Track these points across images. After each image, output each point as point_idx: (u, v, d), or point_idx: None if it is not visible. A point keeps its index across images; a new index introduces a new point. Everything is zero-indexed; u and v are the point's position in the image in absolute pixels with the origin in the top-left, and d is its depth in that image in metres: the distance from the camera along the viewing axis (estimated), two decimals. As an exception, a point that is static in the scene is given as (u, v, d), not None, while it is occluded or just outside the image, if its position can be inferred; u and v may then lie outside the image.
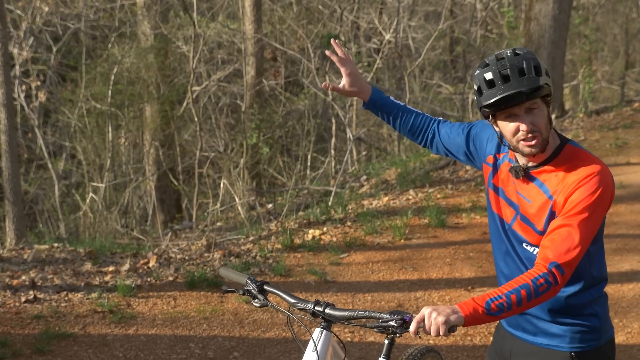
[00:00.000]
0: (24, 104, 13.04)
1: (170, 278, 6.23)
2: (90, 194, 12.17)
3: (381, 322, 2.41)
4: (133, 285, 5.92)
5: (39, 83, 13.38)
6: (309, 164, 13.09)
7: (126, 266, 6.40)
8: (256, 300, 2.72)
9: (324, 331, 2.59)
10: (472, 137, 2.77)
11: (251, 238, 7.61)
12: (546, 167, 2.49)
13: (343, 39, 13.24)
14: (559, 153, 2.49)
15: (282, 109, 13.15)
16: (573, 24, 14.13)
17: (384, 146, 14.13)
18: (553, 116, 12.08)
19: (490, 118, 2.48)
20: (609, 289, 6.15)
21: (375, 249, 7.16)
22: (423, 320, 2.27)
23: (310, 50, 11.66)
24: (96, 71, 13.03)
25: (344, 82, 2.89)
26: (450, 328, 2.24)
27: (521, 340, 2.67)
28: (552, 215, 2.45)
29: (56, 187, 12.74)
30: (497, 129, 2.50)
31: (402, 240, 7.34)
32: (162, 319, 5.54)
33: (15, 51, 12.70)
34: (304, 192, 10.47)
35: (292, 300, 2.64)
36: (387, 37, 12.96)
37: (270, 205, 10.43)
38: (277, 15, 13.73)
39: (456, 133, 2.81)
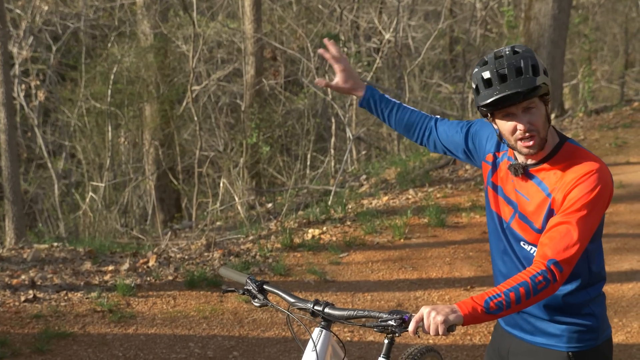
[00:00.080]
0: (24, 103, 13.03)
1: (170, 277, 6.23)
2: (90, 194, 12.17)
3: (380, 321, 2.40)
4: (132, 285, 5.93)
5: (38, 82, 13.37)
6: (308, 163, 13.09)
7: (126, 265, 6.40)
8: (256, 300, 2.72)
9: (324, 330, 2.59)
10: (471, 135, 2.77)
11: (251, 237, 7.61)
12: (545, 165, 2.49)
13: (343, 38, 13.23)
14: (557, 151, 2.49)
15: (281, 109, 13.15)
16: (573, 23, 14.13)
17: (384, 145, 14.12)
18: (553, 115, 12.11)
19: (489, 116, 2.49)
20: (609, 288, 6.15)
21: (374, 248, 7.16)
22: (422, 319, 2.27)
23: (310, 50, 11.65)
24: (96, 70, 13.03)
25: (337, 78, 2.90)
26: (450, 327, 2.24)
27: (519, 339, 2.67)
28: (550, 213, 2.45)
29: (56, 186, 12.74)
30: (496, 127, 2.50)
31: (402, 240, 7.34)
32: (162, 318, 5.54)
33: (15, 50, 12.69)
34: (304, 192, 10.47)
35: (292, 300, 2.64)
36: (387, 36, 12.96)
37: (269, 205, 10.42)
38: (277, 14, 13.73)
39: (455, 131, 2.81)
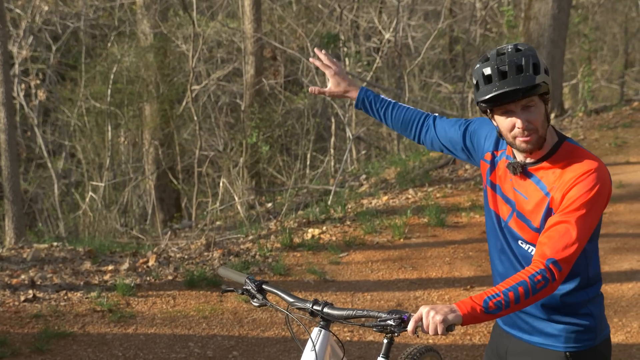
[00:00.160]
0: (24, 103, 13.04)
1: (170, 277, 6.23)
2: (90, 193, 12.17)
3: (379, 321, 2.40)
4: (132, 285, 5.93)
5: (38, 82, 13.38)
6: (308, 163, 13.09)
7: (125, 265, 6.40)
8: (255, 300, 2.72)
9: (323, 330, 2.59)
10: (469, 133, 2.77)
11: (250, 237, 7.61)
12: (543, 164, 2.49)
13: (343, 38, 13.24)
14: (556, 150, 2.49)
15: (281, 108, 13.15)
16: (572, 23, 14.13)
17: (384, 145, 14.12)
18: (552, 115, 12.11)
19: (488, 112, 2.49)
20: (609, 288, 6.15)
21: (374, 248, 7.16)
22: (421, 319, 2.27)
23: (310, 50, 11.65)
24: (96, 70, 13.03)
25: (329, 83, 2.94)
26: (449, 327, 2.24)
27: (517, 339, 2.67)
28: (548, 212, 2.45)
29: (55, 186, 12.74)
30: (495, 123, 2.51)
31: (402, 240, 7.34)
32: (162, 318, 5.54)
33: (15, 50, 12.69)
34: (304, 191, 10.47)
35: (291, 300, 2.64)
36: (387, 36, 12.96)
37: (269, 205, 10.43)
38: (277, 14, 13.73)
39: (453, 129, 2.81)
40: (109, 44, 13.42)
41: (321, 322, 2.60)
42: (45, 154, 13.10)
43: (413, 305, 5.97)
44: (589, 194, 2.38)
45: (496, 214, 2.64)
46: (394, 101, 2.95)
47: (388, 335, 2.51)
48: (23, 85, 13.15)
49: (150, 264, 6.55)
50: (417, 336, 5.20)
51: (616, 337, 5.37)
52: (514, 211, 2.56)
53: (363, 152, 13.97)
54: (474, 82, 2.47)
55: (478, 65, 2.47)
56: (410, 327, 2.29)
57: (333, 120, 13.14)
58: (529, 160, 2.51)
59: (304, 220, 7.95)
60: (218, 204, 10.60)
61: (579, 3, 16.32)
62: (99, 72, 12.89)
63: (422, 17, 16.15)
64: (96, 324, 5.35)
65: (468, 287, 6.32)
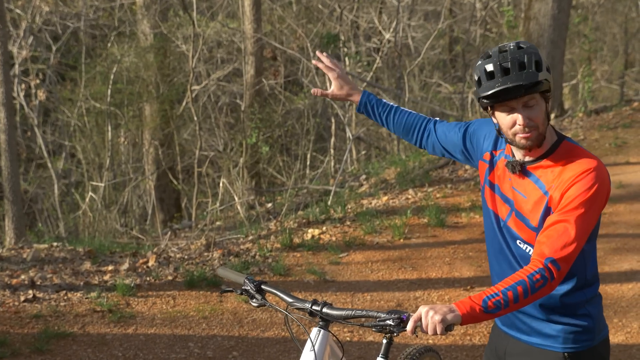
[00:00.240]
0: (24, 103, 13.04)
1: (170, 277, 6.23)
2: (90, 193, 12.17)
3: (378, 321, 2.40)
4: (132, 285, 5.93)
5: (38, 82, 13.38)
6: (308, 163, 13.09)
7: (125, 265, 6.40)
8: (254, 300, 2.72)
9: (322, 330, 2.59)
10: (469, 135, 2.77)
11: (250, 237, 7.61)
12: (542, 163, 2.49)
13: (343, 38, 13.24)
14: (555, 149, 2.49)
15: (281, 108, 13.15)
16: (572, 23, 14.13)
17: (384, 145, 14.12)
18: (552, 115, 12.11)
19: (489, 109, 2.49)
20: (609, 288, 6.15)
21: (374, 248, 7.16)
22: (420, 319, 2.27)
23: (310, 50, 11.66)
24: (96, 70, 13.03)
25: (332, 86, 2.94)
26: (448, 327, 2.24)
27: (515, 340, 2.67)
28: (547, 211, 2.45)
29: (55, 186, 12.74)
30: (495, 120, 2.51)
31: (402, 240, 7.34)
32: (161, 318, 5.54)
33: (15, 50, 12.70)
34: (304, 192, 10.47)
35: (290, 300, 2.65)
36: (387, 36, 12.96)
37: (269, 205, 10.43)
38: (277, 14, 13.73)
39: (453, 131, 2.82)
40: (109, 44, 13.42)
41: (320, 322, 2.60)
42: (45, 154, 13.11)
43: (413, 305, 5.97)
44: (587, 192, 2.38)
45: (495, 213, 2.64)
46: (395, 105, 2.95)
47: (387, 335, 2.51)
48: (23, 86, 13.15)
49: (150, 264, 6.55)
50: (417, 336, 5.20)
51: (616, 338, 5.37)
52: (512, 210, 2.56)
53: (363, 152, 13.97)
54: (476, 78, 2.47)
55: (480, 62, 2.47)
56: (409, 327, 2.29)
57: (333, 120, 13.14)
58: (528, 158, 2.51)
59: (304, 221, 7.95)
60: (218, 204, 10.60)
61: (579, 3, 16.32)
62: (99, 73, 12.89)
63: (422, 17, 16.15)
64: (96, 324, 5.35)
65: (468, 287, 6.32)
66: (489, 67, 2.43)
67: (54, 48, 13.90)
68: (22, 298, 5.59)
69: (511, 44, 2.46)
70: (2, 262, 6.39)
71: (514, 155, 2.56)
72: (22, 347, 4.94)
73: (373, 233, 7.47)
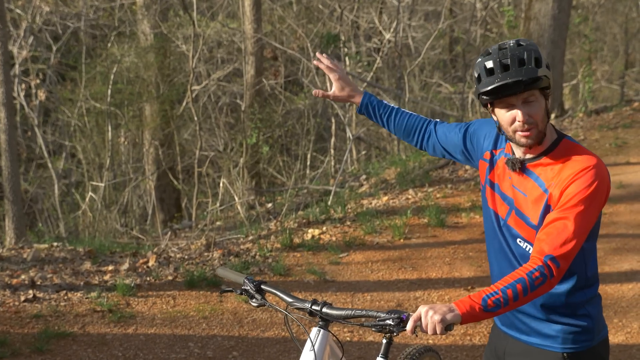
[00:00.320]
0: (24, 103, 13.04)
1: (170, 277, 6.23)
2: (90, 193, 12.17)
3: (378, 320, 2.40)
4: (132, 285, 5.93)
5: (38, 82, 13.38)
6: (308, 163, 13.09)
7: (125, 265, 6.40)
8: (254, 300, 2.72)
9: (322, 330, 2.59)
10: (469, 135, 2.77)
11: (250, 237, 7.61)
12: (542, 161, 2.49)
13: (343, 38, 13.23)
14: (555, 147, 2.49)
15: (281, 108, 13.15)
16: (573, 23, 14.13)
17: (384, 145, 14.12)
18: (553, 115, 12.11)
19: (489, 106, 2.49)
20: (609, 288, 6.15)
21: (374, 248, 7.16)
22: (420, 319, 2.27)
23: (310, 50, 11.66)
24: (96, 70, 13.03)
25: (333, 87, 2.94)
26: (447, 327, 2.23)
27: (515, 340, 2.67)
28: (547, 209, 2.45)
29: (56, 186, 12.75)
30: (495, 118, 2.51)
31: (402, 240, 7.34)
32: (162, 318, 5.54)
33: (15, 50, 12.70)
34: (304, 192, 10.47)
35: (290, 300, 2.64)
36: (387, 36, 12.96)
37: (269, 205, 10.43)
38: (277, 14, 13.73)
39: (453, 132, 2.82)
40: (109, 44, 13.42)
41: (320, 322, 2.60)
42: (46, 154, 13.11)
43: (413, 305, 5.97)
44: (587, 190, 2.37)
45: (495, 213, 2.64)
46: (396, 107, 2.96)
47: (387, 335, 2.51)
48: (23, 86, 13.16)
49: (150, 264, 6.55)
50: (416, 336, 5.20)
51: (616, 338, 5.37)
52: (512, 209, 2.56)
53: (363, 152, 13.97)
54: (476, 75, 2.48)
55: (480, 59, 2.48)
56: (409, 327, 2.28)
57: (333, 120, 13.14)
58: (528, 156, 2.52)
59: (304, 221, 7.95)
60: (218, 204, 10.60)
61: (579, 3, 16.32)
62: (99, 73, 12.89)
63: (422, 17, 16.15)
64: (96, 324, 5.35)
65: (468, 287, 6.32)
66: (489, 64, 2.43)
67: (54, 48, 13.90)
68: (22, 298, 5.59)
69: (511, 42, 2.47)
70: (3, 262, 6.39)
71: (514, 154, 2.56)
72: (22, 347, 4.94)
73: (373, 233, 7.47)
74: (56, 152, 14.27)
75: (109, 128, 12.45)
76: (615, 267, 6.63)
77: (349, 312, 2.50)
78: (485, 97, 2.44)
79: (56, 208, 12.62)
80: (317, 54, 2.96)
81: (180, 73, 13.58)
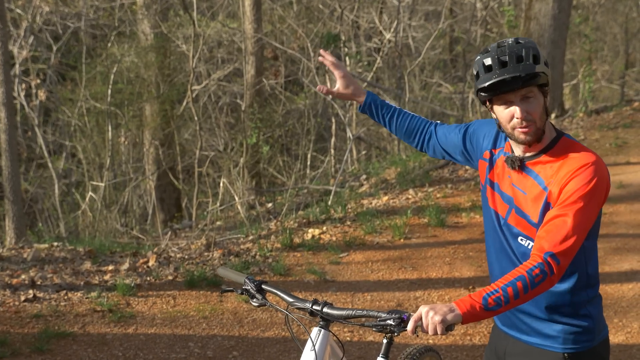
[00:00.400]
0: (24, 103, 13.04)
1: (170, 277, 6.23)
2: (90, 193, 12.17)
3: (379, 320, 2.40)
4: (132, 285, 5.93)
5: (39, 82, 13.38)
6: (308, 163, 13.09)
7: (126, 265, 6.40)
8: (254, 300, 2.72)
9: (322, 330, 2.59)
10: (469, 135, 2.78)
11: (251, 237, 7.61)
12: (541, 158, 2.49)
13: (343, 38, 13.23)
14: (554, 145, 2.50)
15: (282, 108, 13.15)
16: (573, 23, 14.13)
17: (384, 145, 14.12)
18: (553, 115, 12.11)
19: (487, 104, 2.49)
20: (609, 288, 6.15)
21: (374, 248, 7.16)
22: (421, 319, 2.27)
23: (310, 50, 11.66)
24: (96, 70, 13.03)
25: (338, 84, 2.94)
26: (448, 327, 2.23)
27: (515, 340, 2.66)
28: (546, 207, 2.45)
29: (56, 186, 12.74)
30: (494, 115, 2.51)
31: (402, 240, 7.34)
32: (162, 318, 5.54)
33: (15, 50, 12.70)
34: (304, 192, 10.47)
35: (290, 300, 2.64)
36: (387, 36, 12.96)
37: (269, 205, 10.43)
38: (277, 14, 13.73)
39: (453, 133, 2.83)
40: (109, 44, 13.42)
41: (321, 322, 2.60)
42: (46, 154, 13.11)
43: (413, 305, 5.97)
44: (586, 187, 2.37)
45: (495, 212, 2.64)
46: (399, 108, 2.97)
47: (388, 335, 2.51)
48: (24, 85, 13.16)
49: (150, 264, 6.55)
50: (417, 336, 5.20)
51: (616, 338, 5.37)
52: (512, 207, 2.57)
53: (363, 152, 13.96)
54: (474, 72, 2.49)
55: (478, 57, 2.49)
56: (409, 327, 2.28)
57: (333, 120, 13.13)
58: (527, 154, 2.52)
59: (304, 221, 7.95)
60: (218, 204, 10.60)
61: (580, 3, 16.32)
62: (100, 72, 12.89)
63: (422, 17, 16.15)
64: (96, 324, 5.35)
65: (469, 287, 6.31)
66: (487, 61, 2.44)
67: (54, 48, 13.90)
68: (23, 298, 5.59)
69: (510, 40, 2.48)
70: (3, 261, 6.39)
71: (513, 152, 2.57)
72: (22, 347, 4.94)
73: (373, 233, 7.47)
74: (56, 152, 14.27)
75: (109, 128, 12.45)
76: (615, 267, 6.62)
77: (350, 312, 2.50)
78: (483, 94, 2.44)
79: (56, 208, 12.62)
80: (321, 51, 2.97)
81: (181, 73, 13.58)
